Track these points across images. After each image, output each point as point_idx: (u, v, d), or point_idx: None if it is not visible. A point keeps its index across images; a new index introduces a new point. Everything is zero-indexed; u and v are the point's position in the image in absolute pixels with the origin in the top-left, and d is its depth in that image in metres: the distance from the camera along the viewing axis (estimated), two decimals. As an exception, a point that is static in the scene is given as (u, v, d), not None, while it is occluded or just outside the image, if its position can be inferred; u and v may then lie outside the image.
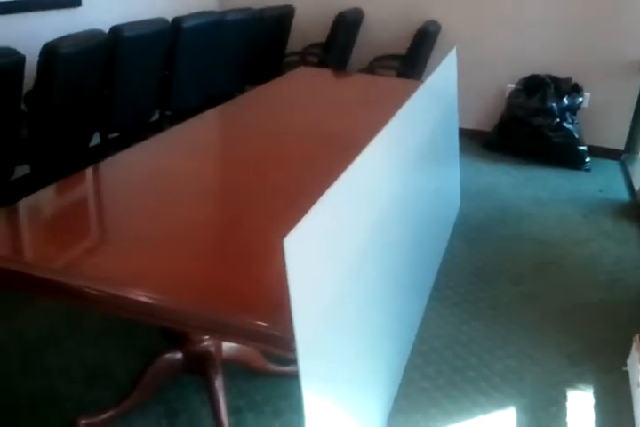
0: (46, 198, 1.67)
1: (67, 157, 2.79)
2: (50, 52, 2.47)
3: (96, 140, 3.05)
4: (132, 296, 1.26)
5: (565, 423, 1.93)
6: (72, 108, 2.70)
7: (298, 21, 4.53)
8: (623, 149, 4.39)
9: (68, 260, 1.37)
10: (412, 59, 4.23)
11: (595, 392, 2.07)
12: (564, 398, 2.04)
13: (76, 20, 3.41)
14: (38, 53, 2.47)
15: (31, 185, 1.77)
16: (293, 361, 1.11)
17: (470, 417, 1.92)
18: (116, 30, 2.85)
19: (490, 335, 2.33)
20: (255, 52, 4.04)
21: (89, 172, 1.84)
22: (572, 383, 2.11)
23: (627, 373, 2.15)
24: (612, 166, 4.30)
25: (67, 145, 2.80)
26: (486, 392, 2.03)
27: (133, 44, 2.94)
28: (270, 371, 1.97)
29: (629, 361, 2.16)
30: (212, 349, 1.77)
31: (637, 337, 2.14)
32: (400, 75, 4.27)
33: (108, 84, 2.91)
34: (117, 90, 2.97)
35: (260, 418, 1.86)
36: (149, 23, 3.06)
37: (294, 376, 1.12)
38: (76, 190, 1.75)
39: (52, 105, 2.57)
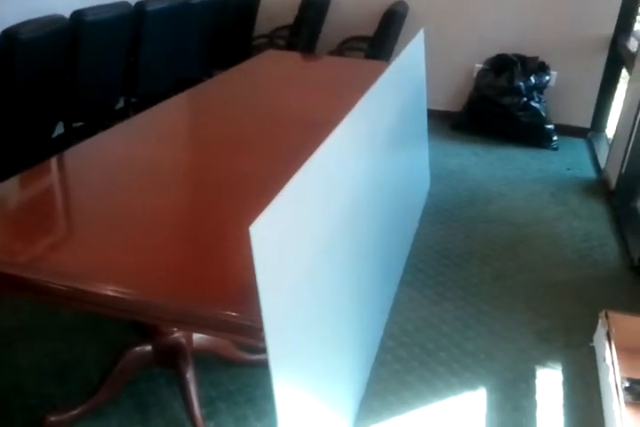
0: (9, 191, 1.64)
1: (29, 147, 2.74)
2: (9, 38, 2.41)
3: (59, 129, 2.99)
4: (99, 290, 1.25)
5: (535, 400, 1.97)
6: (34, 96, 2.64)
7: (265, 4, 4.47)
8: (589, 127, 4.45)
9: (33, 254, 1.36)
10: (380, 40, 4.21)
11: (563, 368, 2.12)
12: (533, 375, 2.08)
13: (37, 5, 3.31)
14: (-4, 40, 2.41)
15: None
16: (265, 350, 1.11)
17: (443, 398, 1.95)
18: (77, 15, 2.78)
19: (461, 316, 2.36)
20: (222, 36, 3.98)
21: (52, 162, 1.81)
22: (541, 360, 2.15)
23: (593, 348, 2.20)
24: (578, 144, 4.35)
25: (29, 135, 2.74)
26: (458, 373, 2.06)
27: (96, 29, 2.88)
28: (242, 360, 1.96)
29: (595, 337, 2.21)
30: (183, 340, 1.76)
31: (603, 313, 2.19)
32: (368, 56, 4.24)
33: (70, 71, 2.85)
34: (80, 77, 2.91)
35: (233, 408, 1.86)
36: (112, 7, 2.99)
37: (267, 365, 1.12)
38: (39, 182, 1.72)
39: (13, 94, 2.51)
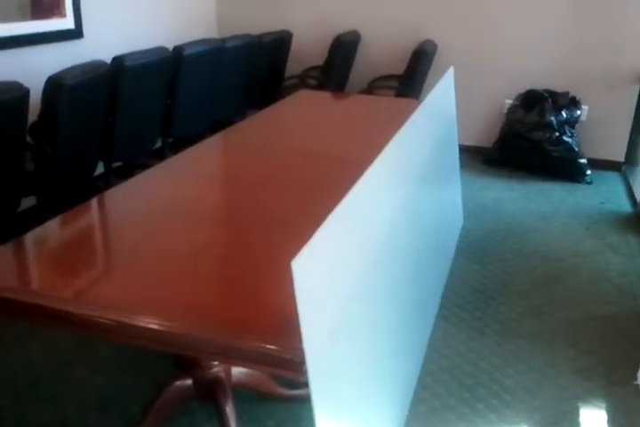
0: (54, 229, 1.69)
1: (72, 187, 2.82)
2: (54, 83, 2.52)
3: (99, 169, 3.09)
4: (142, 324, 1.27)
5: (579, 439, 1.92)
6: (76, 138, 2.74)
7: (296, 45, 4.60)
8: (623, 160, 4.41)
9: (77, 289, 1.39)
10: (409, 78, 4.28)
11: (607, 407, 2.06)
12: (577, 413, 2.03)
13: (79, 51, 3.47)
14: (42, 86, 2.52)
15: (38, 216, 1.79)
16: (303, 384, 1.11)
17: (483, 435, 1.92)
18: (117, 60, 2.90)
19: (499, 352, 2.33)
20: (255, 77, 4.10)
21: (94, 202, 1.86)
22: (584, 398, 2.10)
23: (638, 386, 2.14)
24: (613, 178, 4.32)
25: (72, 175, 2.83)
26: (497, 410, 2.02)
27: (135, 73, 2.99)
28: (280, 395, 1.97)
29: (640, 374, 2.16)
30: (222, 374, 1.77)
31: (647, 349, 2.14)
32: (398, 95, 4.31)
33: (111, 114, 2.95)
34: (120, 119, 3.01)
35: (271, 443, 1.86)
36: (150, 52, 3.11)
37: (305, 400, 1.12)
38: (82, 221, 1.76)
39: (57, 136, 2.61)
